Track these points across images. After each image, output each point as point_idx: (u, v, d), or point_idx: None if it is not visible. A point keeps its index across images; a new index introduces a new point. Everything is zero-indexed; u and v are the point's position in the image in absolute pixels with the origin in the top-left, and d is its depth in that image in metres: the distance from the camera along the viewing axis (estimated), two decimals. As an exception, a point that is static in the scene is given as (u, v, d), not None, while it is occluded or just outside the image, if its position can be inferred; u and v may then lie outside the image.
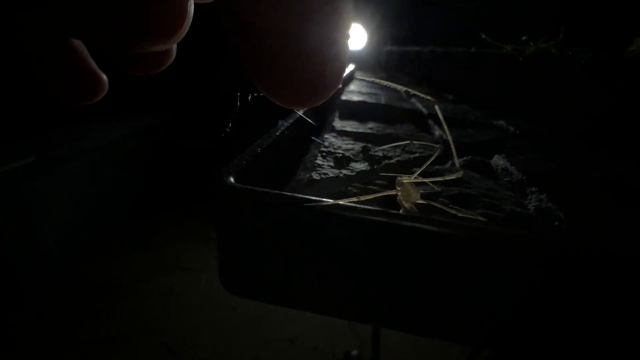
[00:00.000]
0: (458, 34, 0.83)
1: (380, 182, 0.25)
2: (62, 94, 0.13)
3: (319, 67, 0.10)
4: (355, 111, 0.48)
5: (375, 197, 0.20)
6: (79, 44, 0.13)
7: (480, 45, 0.65)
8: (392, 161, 0.29)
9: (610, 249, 0.14)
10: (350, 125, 0.40)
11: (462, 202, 0.22)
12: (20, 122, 1.39)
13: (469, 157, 0.32)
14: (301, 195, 0.16)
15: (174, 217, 1.82)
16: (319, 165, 0.26)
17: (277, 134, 0.26)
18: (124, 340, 1.12)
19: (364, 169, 0.27)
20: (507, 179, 0.28)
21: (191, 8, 0.09)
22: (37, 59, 0.13)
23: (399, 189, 0.20)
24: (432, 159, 0.23)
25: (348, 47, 0.10)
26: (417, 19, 1.55)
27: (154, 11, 0.08)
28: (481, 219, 0.20)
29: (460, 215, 0.19)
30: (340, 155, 0.29)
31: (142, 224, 1.74)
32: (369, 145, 0.32)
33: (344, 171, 0.26)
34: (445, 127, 0.23)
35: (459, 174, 0.22)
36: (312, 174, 0.25)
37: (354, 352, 0.94)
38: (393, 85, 0.21)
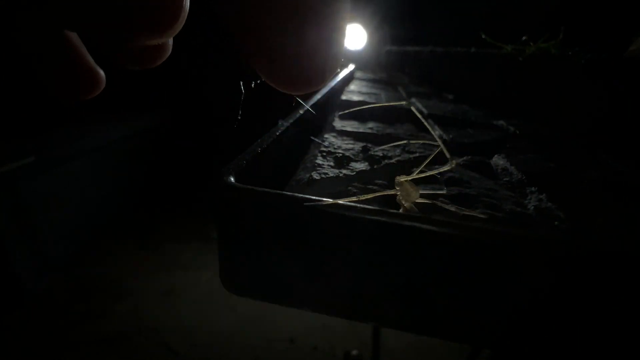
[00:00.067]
0: (458, 34, 0.83)
1: (380, 181, 0.25)
2: (61, 90, 0.13)
3: (318, 61, 0.10)
4: (355, 111, 0.48)
5: (375, 197, 0.20)
6: (76, 39, 0.13)
7: (480, 45, 0.65)
8: (392, 161, 0.29)
9: (610, 249, 0.14)
10: (350, 125, 0.40)
11: (462, 202, 0.22)
12: (21, 122, 1.40)
13: (469, 157, 0.32)
14: (301, 195, 0.16)
15: (174, 216, 1.82)
16: (319, 165, 0.26)
17: (278, 133, 0.26)
18: (124, 340, 1.12)
19: (364, 168, 0.27)
20: (507, 178, 0.28)
21: (187, 1, 0.09)
22: (36, 55, 0.13)
23: (398, 188, 0.20)
24: (431, 157, 0.23)
25: (344, 41, 0.10)
26: (417, 18, 1.55)
27: (150, 4, 0.08)
28: (481, 216, 0.20)
29: (460, 213, 0.19)
30: (340, 155, 0.29)
31: (142, 223, 1.74)
32: (369, 145, 0.32)
33: (344, 171, 0.26)
34: (425, 123, 0.23)
35: (452, 164, 0.22)
36: (312, 173, 0.25)
37: (354, 352, 0.94)
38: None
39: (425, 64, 1.03)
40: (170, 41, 0.13)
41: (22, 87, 1.24)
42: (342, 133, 0.37)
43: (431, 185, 0.25)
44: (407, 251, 0.15)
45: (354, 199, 0.16)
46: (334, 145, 0.32)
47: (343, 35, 0.10)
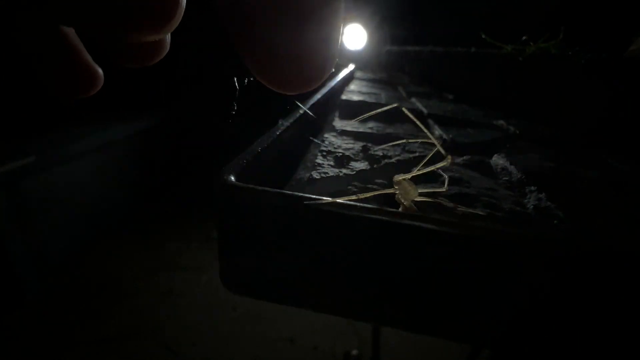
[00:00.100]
0: (458, 34, 0.83)
1: (380, 181, 0.25)
2: (59, 88, 0.13)
3: (314, 61, 0.10)
4: (355, 111, 0.48)
5: (374, 196, 0.20)
6: (74, 37, 0.13)
7: (480, 45, 0.65)
8: (392, 160, 0.29)
9: (610, 248, 0.14)
10: (350, 125, 0.40)
11: (461, 201, 0.22)
12: (21, 122, 1.40)
13: (469, 156, 0.32)
14: (301, 194, 0.16)
15: (174, 216, 1.82)
16: (319, 165, 0.27)
17: (278, 133, 0.26)
18: (124, 339, 1.12)
19: (363, 168, 0.27)
20: (507, 178, 0.28)
21: None
22: (34, 53, 0.13)
23: (396, 187, 0.20)
24: (428, 157, 0.24)
25: (339, 41, 0.10)
26: (417, 18, 1.55)
27: (147, 0, 0.08)
28: (481, 213, 0.20)
29: (460, 212, 0.19)
30: (340, 154, 0.29)
31: (142, 223, 1.74)
32: (369, 144, 0.32)
33: (344, 170, 0.26)
34: (418, 123, 0.23)
35: (448, 160, 0.22)
36: (312, 173, 0.25)
37: (354, 352, 0.94)
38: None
39: (425, 64, 1.03)
40: (168, 39, 0.13)
41: (23, 87, 1.25)
42: (342, 133, 0.37)
43: (431, 185, 0.25)
44: (406, 250, 0.15)
45: (354, 197, 0.17)
46: (333, 144, 0.32)
47: (339, 34, 0.10)
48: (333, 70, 0.11)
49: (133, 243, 1.59)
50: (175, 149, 2.10)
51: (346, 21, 1.57)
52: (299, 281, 0.17)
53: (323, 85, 0.52)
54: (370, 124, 0.42)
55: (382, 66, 1.50)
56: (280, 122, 0.28)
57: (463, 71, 0.76)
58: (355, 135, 0.36)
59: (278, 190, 0.16)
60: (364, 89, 0.69)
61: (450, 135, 0.39)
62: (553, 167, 0.30)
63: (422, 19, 1.50)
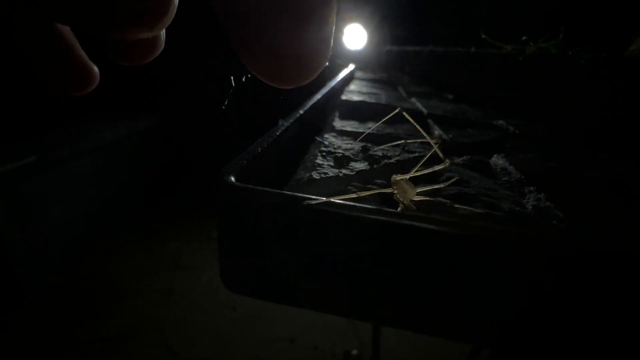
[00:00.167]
0: (458, 34, 0.83)
1: (379, 181, 0.25)
2: (55, 86, 0.14)
3: (313, 59, 0.10)
4: (355, 111, 0.48)
5: (373, 195, 0.20)
6: (69, 35, 0.13)
7: (480, 45, 0.65)
8: (392, 161, 0.29)
9: (609, 249, 0.14)
10: (350, 125, 0.40)
11: (461, 201, 0.22)
12: (21, 122, 1.40)
13: (469, 156, 0.32)
14: (301, 194, 0.16)
15: (175, 216, 1.82)
16: (319, 165, 0.27)
17: (278, 133, 0.26)
18: (124, 339, 1.12)
19: (363, 168, 0.27)
20: (506, 178, 0.28)
21: None
22: (30, 51, 0.13)
23: (395, 187, 0.21)
24: (425, 158, 0.24)
25: (332, 36, 0.11)
26: (417, 18, 1.55)
27: None
28: (478, 210, 0.20)
29: (458, 211, 0.19)
30: (340, 154, 0.29)
31: (142, 223, 1.74)
32: (369, 145, 0.32)
33: (344, 171, 0.26)
34: (417, 126, 0.23)
35: (446, 163, 0.22)
36: (312, 173, 0.25)
37: (354, 352, 0.94)
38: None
39: (426, 64, 1.03)
40: (163, 36, 0.13)
41: (23, 87, 1.25)
42: (342, 133, 0.37)
43: (430, 184, 0.25)
44: (405, 249, 0.15)
45: (353, 196, 0.17)
46: (333, 145, 0.32)
47: (333, 32, 0.11)
48: (327, 63, 0.11)
49: (133, 243, 1.59)
50: (175, 149, 2.10)
51: (346, 21, 1.57)
52: (299, 281, 0.17)
53: (323, 85, 0.52)
54: (370, 124, 0.42)
55: (382, 66, 1.50)
56: (280, 122, 0.28)
57: (463, 71, 0.76)
58: (355, 136, 0.36)
59: (278, 191, 0.16)
60: (364, 89, 0.69)
61: (450, 135, 0.39)
62: (552, 167, 0.30)
63: (422, 19, 1.50)
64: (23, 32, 0.12)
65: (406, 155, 0.30)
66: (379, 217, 0.15)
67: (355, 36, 1.62)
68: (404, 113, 0.24)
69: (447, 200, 0.22)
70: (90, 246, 1.50)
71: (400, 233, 0.15)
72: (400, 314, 0.16)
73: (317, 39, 0.10)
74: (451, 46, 0.83)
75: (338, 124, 0.40)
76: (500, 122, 0.47)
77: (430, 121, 0.47)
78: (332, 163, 0.27)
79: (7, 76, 1.19)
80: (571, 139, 0.42)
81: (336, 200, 0.16)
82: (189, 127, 2.17)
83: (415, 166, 0.23)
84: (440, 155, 0.23)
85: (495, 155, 0.33)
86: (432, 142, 0.23)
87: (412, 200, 0.20)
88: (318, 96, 0.42)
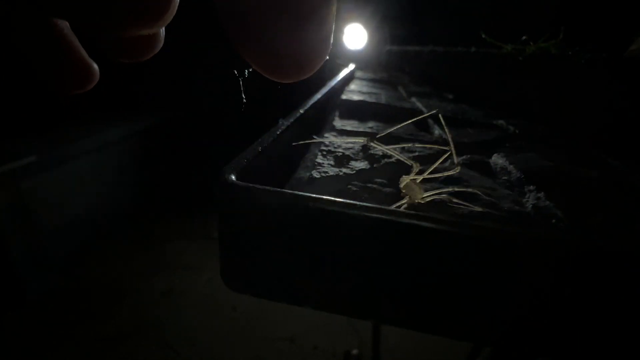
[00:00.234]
0: (458, 34, 0.83)
1: (380, 180, 0.25)
2: (55, 84, 0.14)
3: (313, 58, 0.11)
4: (355, 110, 0.48)
5: (374, 195, 0.20)
6: (68, 32, 0.13)
7: (481, 45, 0.65)
8: (392, 160, 0.29)
9: (609, 248, 0.14)
10: (350, 125, 0.40)
11: (461, 200, 0.22)
12: (22, 122, 1.40)
13: (468, 156, 0.32)
14: (301, 193, 0.16)
15: (175, 216, 1.83)
16: (319, 164, 0.27)
17: (278, 132, 0.26)
18: (124, 339, 1.12)
19: (363, 167, 0.27)
20: (506, 177, 0.28)
21: None
22: (29, 47, 0.13)
23: (403, 190, 0.21)
24: (439, 162, 0.24)
25: (332, 35, 0.11)
26: (417, 18, 1.55)
27: None
28: (477, 209, 0.20)
29: (456, 205, 0.19)
30: (341, 154, 0.29)
31: (143, 223, 1.74)
32: (369, 144, 0.32)
33: (344, 170, 0.26)
34: (447, 130, 0.23)
35: (456, 170, 0.23)
36: (312, 172, 0.25)
37: (354, 352, 0.94)
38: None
39: (426, 64, 1.03)
40: (162, 33, 0.13)
41: (23, 87, 1.25)
42: (342, 132, 0.37)
43: (431, 184, 0.25)
44: (405, 248, 0.15)
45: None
46: (334, 144, 0.32)
47: (332, 27, 0.11)
48: (327, 57, 0.11)
49: (133, 243, 1.59)
50: (175, 149, 2.10)
51: (346, 21, 1.57)
52: (299, 279, 0.17)
53: (323, 84, 0.52)
54: (371, 124, 0.42)
55: (382, 66, 1.50)
56: (280, 122, 0.28)
57: (463, 71, 0.76)
58: (356, 135, 0.36)
59: (278, 189, 0.16)
60: (364, 89, 0.69)
61: (450, 135, 0.39)
62: (552, 166, 0.30)
63: (422, 19, 1.50)
64: (22, 30, 0.12)
65: (406, 155, 0.31)
66: (380, 216, 0.15)
67: (355, 36, 1.62)
68: (440, 115, 0.25)
69: (449, 200, 0.22)
70: (91, 246, 1.50)
71: (400, 232, 0.15)
72: (401, 312, 0.16)
73: (317, 39, 0.10)
74: (451, 46, 0.84)
75: (338, 123, 0.40)
76: (500, 121, 0.47)
77: (430, 121, 0.47)
78: (332, 162, 0.27)
79: (7, 76, 1.19)
80: (571, 139, 0.42)
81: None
82: (189, 127, 2.17)
83: (415, 165, 0.23)
84: (455, 160, 0.23)
85: (495, 155, 0.33)
86: (450, 148, 0.24)
87: (419, 201, 0.20)
88: (318, 96, 0.42)
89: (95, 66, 0.14)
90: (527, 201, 0.24)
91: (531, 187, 0.25)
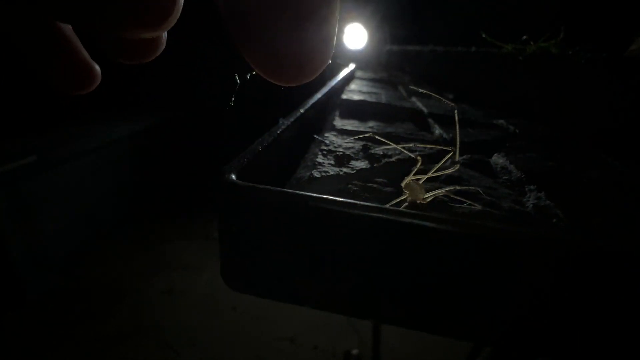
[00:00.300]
0: (458, 34, 0.83)
1: (380, 180, 0.25)
2: (57, 85, 0.14)
3: (315, 59, 0.10)
4: (355, 110, 0.48)
5: (376, 195, 0.20)
6: (71, 34, 0.13)
7: (481, 45, 0.65)
8: (392, 159, 0.29)
9: (609, 248, 0.14)
10: (350, 124, 0.40)
11: (461, 199, 0.22)
12: (22, 122, 1.40)
13: (469, 155, 0.32)
14: (302, 192, 0.16)
15: (175, 216, 1.83)
16: (320, 164, 0.27)
17: (278, 132, 0.26)
18: (125, 339, 1.12)
19: (364, 167, 0.27)
20: (506, 177, 0.28)
21: None
22: (31, 49, 0.13)
23: (405, 191, 0.21)
24: (442, 162, 0.24)
25: (334, 36, 0.11)
26: (417, 18, 1.55)
27: None
28: (478, 208, 0.20)
29: (456, 204, 0.19)
30: (341, 153, 0.29)
31: (143, 222, 1.74)
32: (369, 143, 0.32)
33: (345, 169, 0.26)
34: (457, 125, 0.24)
35: (455, 167, 0.23)
36: (312, 171, 0.25)
37: (354, 351, 0.94)
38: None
39: (426, 63, 1.03)
40: (165, 35, 0.13)
41: (23, 87, 1.25)
42: (343, 132, 0.37)
43: (431, 183, 0.25)
44: (406, 247, 0.15)
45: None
46: (334, 143, 0.32)
47: (336, 32, 0.11)
48: (330, 61, 0.11)
49: (133, 243, 1.59)
50: (175, 149, 2.10)
51: (346, 21, 1.57)
52: (300, 279, 0.17)
53: (324, 84, 0.52)
54: (371, 123, 0.42)
55: (382, 66, 1.50)
56: (280, 121, 0.28)
57: (463, 71, 0.76)
58: (356, 135, 0.36)
59: (279, 189, 0.16)
60: (365, 89, 0.69)
61: (451, 135, 0.39)
62: (552, 166, 0.30)
63: (422, 19, 1.50)
64: (23, 31, 0.12)
65: (407, 155, 0.31)
66: (380, 215, 0.15)
67: (355, 36, 1.62)
68: (455, 111, 0.25)
69: (450, 199, 0.22)
70: (90, 246, 1.50)
71: (400, 231, 0.15)
72: (401, 312, 0.16)
73: (318, 39, 0.10)
74: (451, 46, 0.84)
75: (339, 122, 0.40)
76: (501, 121, 0.47)
77: (430, 120, 0.47)
78: (332, 162, 0.27)
79: (7, 76, 1.19)
80: (571, 138, 0.42)
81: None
82: (189, 127, 2.17)
83: (415, 165, 0.23)
84: (457, 158, 0.23)
85: (495, 155, 0.33)
86: (457, 150, 0.24)
87: (421, 201, 0.21)
88: (319, 95, 0.42)
89: (97, 68, 0.14)
90: (528, 201, 0.24)
91: (532, 187, 0.25)
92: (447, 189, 0.23)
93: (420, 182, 0.22)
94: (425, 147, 0.33)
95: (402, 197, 0.21)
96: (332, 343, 1.14)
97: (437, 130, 0.41)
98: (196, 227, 1.71)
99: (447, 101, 0.25)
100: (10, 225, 1.17)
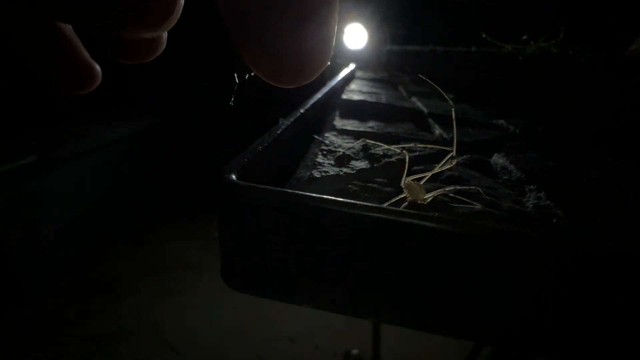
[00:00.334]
0: (458, 34, 0.83)
1: (380, 180, 0.25)
2: (57, 85, 0.14)
3: (314, 59, 0.10)
4: (355, 110, 0.48)
5: (375, 195, 0.20)
6: (71, 34, 0.13)
7: (481, 45, 0.65)
8: (392, 159, 0.29)
9: (609, 248, 0.14)
10: (350, 124, 0.40)
11: (461, 199, 0.22)
12: (22, 122, 1.40)
13: (469, 155, 0.32)
14: (302, 192, 0.16)
15: (175, 216, 1.82)
16: (320, 163, 0.27)
17: (278, 132, 0.26)
18: (125, 339, 1.12)
19: (364, 167, 0.27)
20: (506, 177, 0.28)
21: None
22: (31, 49, 0.13)
23: (405, 191, 0.21)
24: (443, 162, 0.24)
25: (334, 36, 0.11)
26: (417, 18, 1.55)
27: None
28: (478, 208, 0.20)
29: (456, 204, 0.19)
30: (341, 153, 0.29)
31: (143, 222, 1.74)
32: (369, 141, 0.32)
33: (345, 169, 0.26)
34: (454, 124, 0.24)
35: (452, 163, 0.23)
36: (312, 171, 0.25)
37: (355, 351, 0.94)
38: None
39: (426, 63, 1.03)
40: (165, 35, 0.13)
41: (23, 87, 1.25)
42: (343, 132, 0.37)
43: (431, 183, 0.25)
44: (406, 247, 0.15)
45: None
46: (334, 143, 0.32)
47: (335, 32, 0.11)
48: (329, 63, 0.11)
49: (133, 243, 1.59)
50: (175, 149, 2.10)
51: (346, 21, 1.57)
52: (300, 279, 0.17)
53: (324, 84, 0.52)
54: (371, 124, 0.42)
55: (382, 66, 1.50)
56: (280, 121, 0.28)
57: (463, 71, 0.76)
58: (356, 135, 0.36)
59: (279, 189, 0.16)
60: (365, 89, 0.69)
61: (451, 135, 0.39)
62: (552, 166, 0.30)
63: (422, 19, 1.50)
64: (23, 31, 0.12)
65: (395, 152, 0.31)
66: (380, 215, 0.15)
67: (355, 36, 1.61)
68: (452, 109, 0.25)
69: (450, 199, 0.22)
70: (90, 246, 1.50)
71: (400, 231, 0.15)
72: (401, 312, 0.16)
73: (318, 39, 0.10)
74: (451, 46, 0.84)
75: (339, 122, 0.40)
76: (501, 121, 0.47)
77: (430, 120, 0.47)
78: (332, 162, 0.27)
79: (7, 76, 1.19)
80: (571, 138, 0.42)
81: (337, 198, 0.16)
82: (189, 127, 2.17)
83: (415, 165, 0.23)
84: (455, 155, 0.23)
85: (495, 155, 0.33)
86: (454, 149, 0.24)
87: (421, 201, 0.21)
88: (319, 95, 0.42)
89: (98, 68, 0.14)
90: (528, 201, 0.24)
91: (532, 187, 0.25)
92: (447, 189, 0.23)
93: (422, 182, 0.22)
94: (425, 147, 0.33)
95: (402, 196, 0.21)
96: (333, 343, 1.14)
97: (437, 130, 0.41)
98: (196, 227, 1.71)
99: (446, 96, 0.25)
100: (10, 225, 1.17)
